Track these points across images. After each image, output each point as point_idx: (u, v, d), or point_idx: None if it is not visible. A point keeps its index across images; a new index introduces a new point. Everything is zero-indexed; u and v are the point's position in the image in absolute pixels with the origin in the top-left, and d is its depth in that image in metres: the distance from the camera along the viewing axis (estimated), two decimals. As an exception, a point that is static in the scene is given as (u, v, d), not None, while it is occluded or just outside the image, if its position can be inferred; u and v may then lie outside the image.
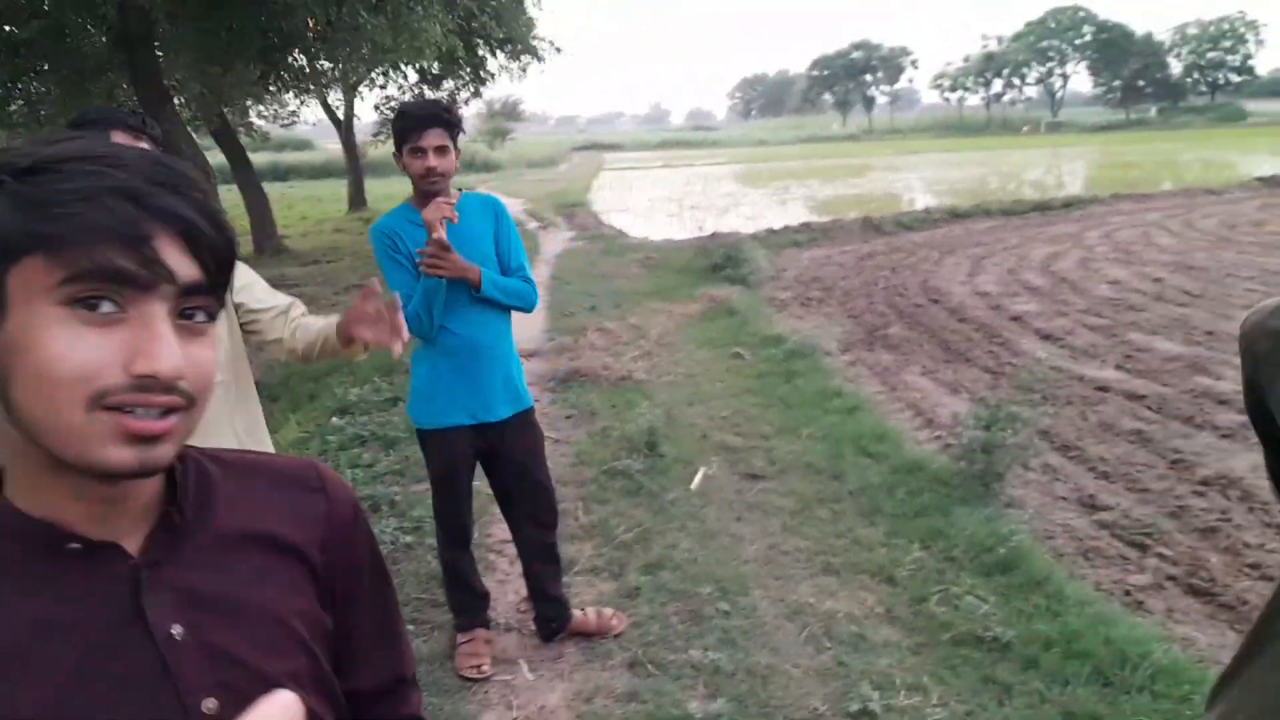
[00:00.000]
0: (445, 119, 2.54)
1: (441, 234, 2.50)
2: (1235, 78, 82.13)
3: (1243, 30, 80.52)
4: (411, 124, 2.52)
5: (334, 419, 5.49)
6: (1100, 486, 4.38)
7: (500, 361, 2.77)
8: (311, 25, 9.66)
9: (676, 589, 3.35)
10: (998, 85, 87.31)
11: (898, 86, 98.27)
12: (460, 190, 2.69)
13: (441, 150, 2.54)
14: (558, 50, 17.68)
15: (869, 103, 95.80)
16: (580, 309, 8.82)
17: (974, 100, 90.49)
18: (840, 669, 2.85)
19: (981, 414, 4.12)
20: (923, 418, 5.54)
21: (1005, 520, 3.70)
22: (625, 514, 4.01)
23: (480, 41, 16.01)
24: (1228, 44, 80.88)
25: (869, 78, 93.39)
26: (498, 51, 17.13)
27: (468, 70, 18.17)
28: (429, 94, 18.45)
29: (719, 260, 10.90)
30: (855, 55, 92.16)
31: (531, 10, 16.23)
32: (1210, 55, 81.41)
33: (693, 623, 3.14)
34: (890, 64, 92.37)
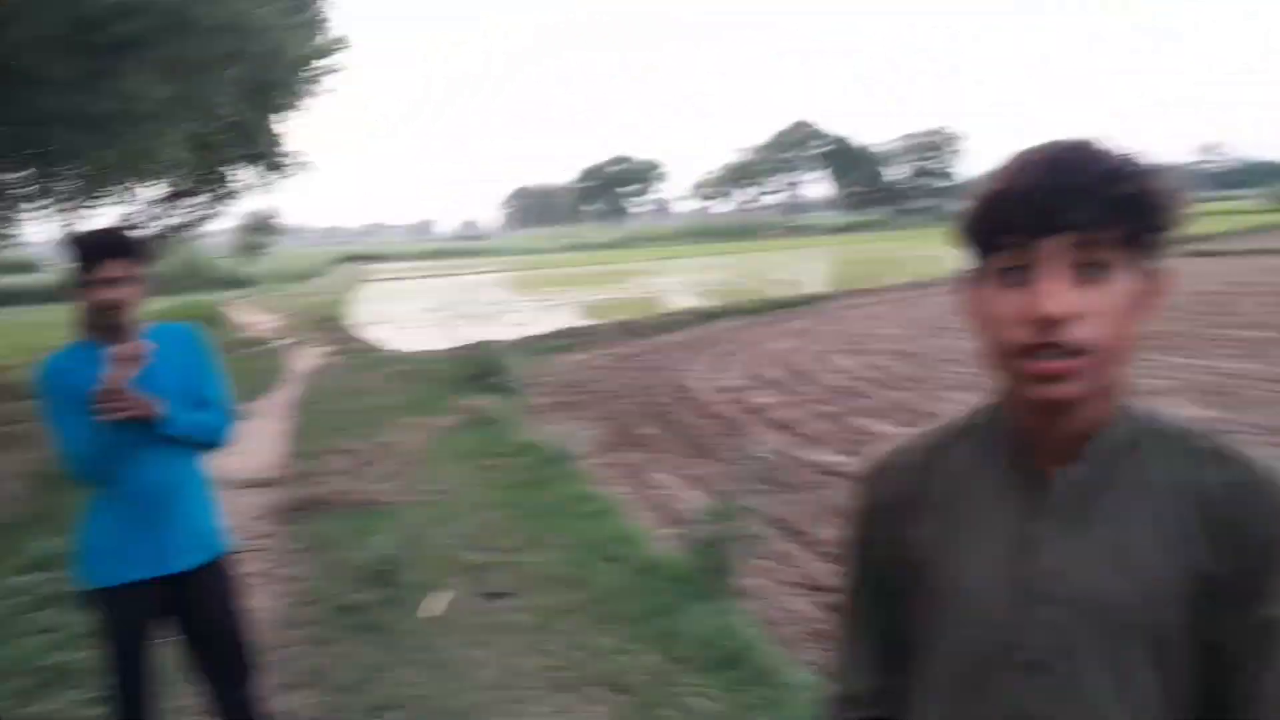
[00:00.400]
0: (123, 248, 2.35)
1: (122, 372, 2.28)
2: (945, 183, 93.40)
3: (943, 143, 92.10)
4: (85, 255, 2.32)
5: (22, 577, 4.83)
6: (826, 569, 4.59)
7: (186, 505, 2.52)
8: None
9: (401, 730, 3.14)
10: (745, 194, 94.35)
11: (657, 195, 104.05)
12: (149, 322, 2.48)
13: (119, 281, 2.34)
14: (304, 164, 17.34)
15: (624, 213, 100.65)
16: (325, 430, 8.41)
17: (724, 208, 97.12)
18: (568, 794, 2.74)
19: (712, 508, 4.22)
20: (666, 515, 5.64)
21: (733, 612, 3.77)
22: (352, 654, 3.74)
23: (222, 158, 15.43)
24: (934, 154, 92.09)
25: (625, 189, 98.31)
26: (242, 167, 16.54)
27: (213, 185, 17.41)
28: (164, 211, 17.45)
29: (478, 370, 10.82)
30: (613, 169, 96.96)
31: (276, 126, 15.89)
32: (921, 164, 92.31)
33: (416, 765, 2.93)
34: (643, 176, 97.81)
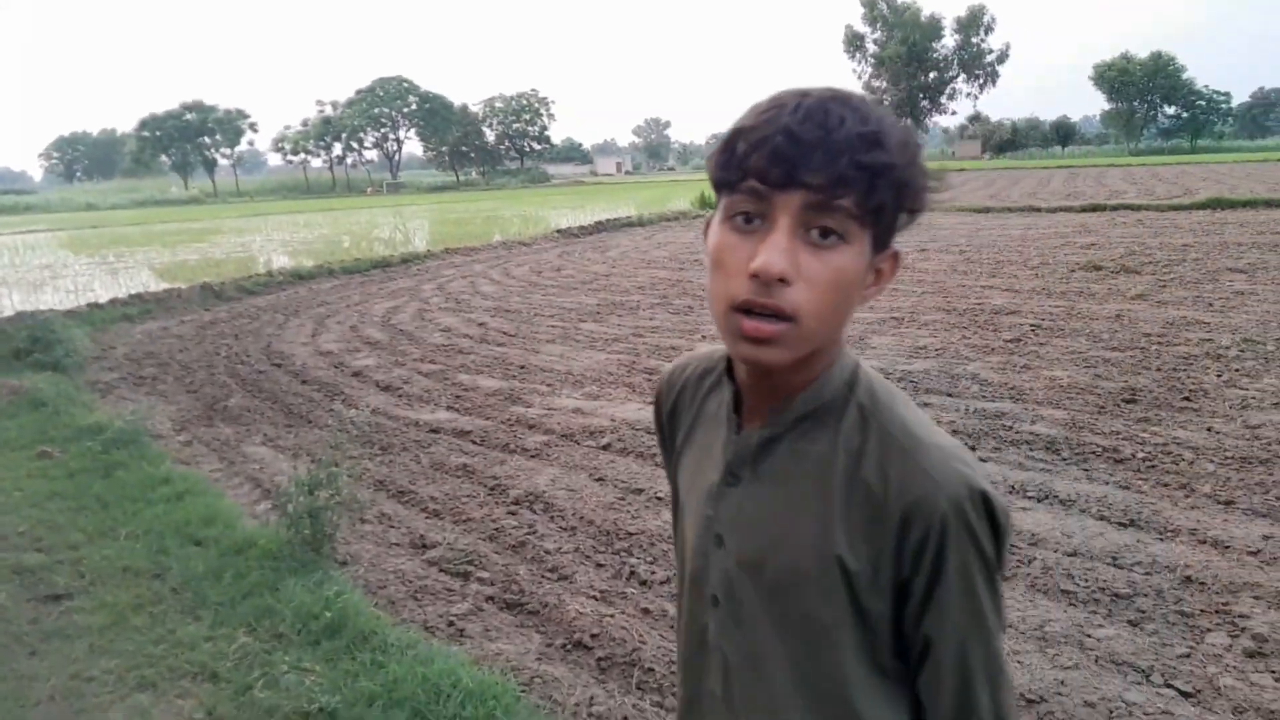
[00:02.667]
0: None
1: None
2: (536, 145, 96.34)
3: (537, 105, 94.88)
4: None
5: None
6: (430, 525, 4.67)
7: None
8: None
9: (-67, 767, 2.69)
10: (338, 149, 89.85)
11: (240, 149, 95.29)
12: None
13: None
14: None
15: (210, 165, 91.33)
16: None
17: (317, 163, 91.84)
18: (153, 796, 2.55)
19: (304, 477, 4.08)
20: (261, 489, 5.35)
21: (333, 582, 3.71)
22: None
23: None
24: (528, 117, 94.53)
25: (207, 140, 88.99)
26: None
27: None
28: None
29: (23, 344, 9.30)
30: (189, 117, 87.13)
31: None
32: (515, 126, 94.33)
33: (-44, 803, 2.54)
34: (228, 126, 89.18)
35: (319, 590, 3.60)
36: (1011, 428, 5.47)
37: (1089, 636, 3.26)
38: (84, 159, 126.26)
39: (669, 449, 1.17)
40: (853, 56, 64.26)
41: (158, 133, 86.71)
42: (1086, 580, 3.64)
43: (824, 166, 0.81)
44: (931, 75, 63.16)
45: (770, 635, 0.97)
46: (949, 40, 63.15)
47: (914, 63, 61.79)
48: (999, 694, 0.92)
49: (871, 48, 63.57)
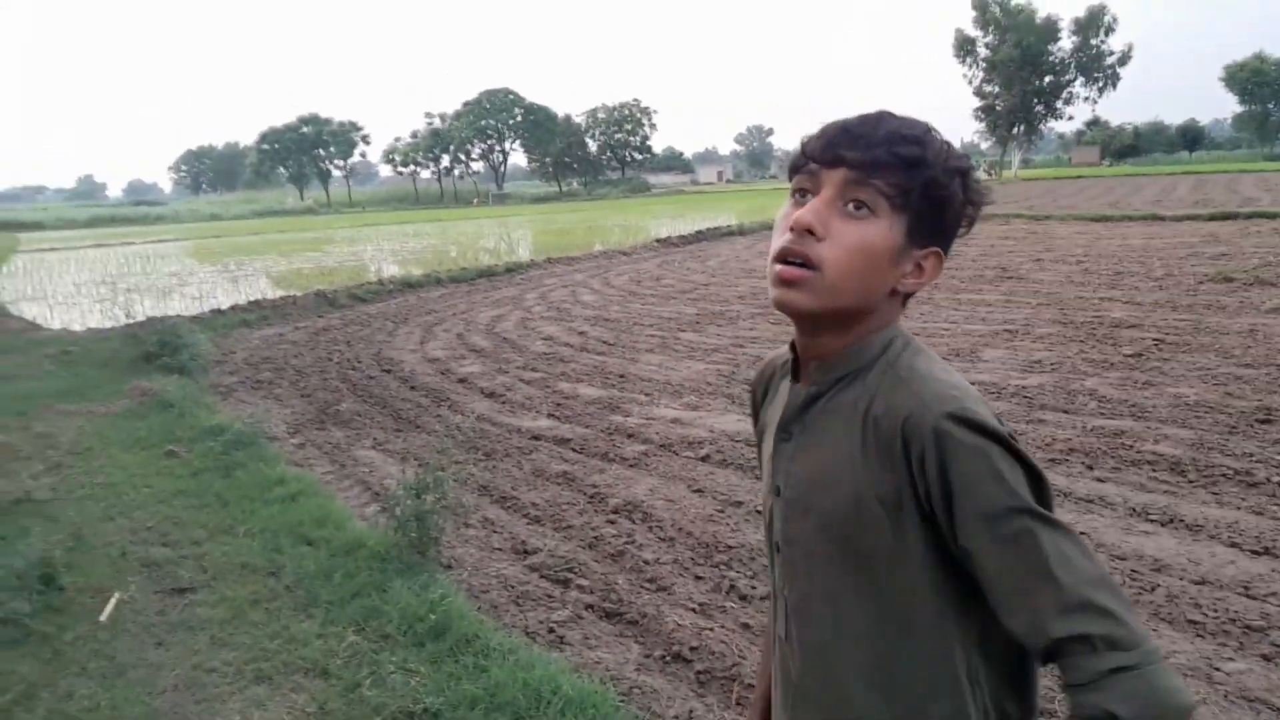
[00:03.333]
0: None
1: None
2: (638, 155, 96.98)
3: (639, 115, 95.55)
4: None
5: None
6: (531, 531, 4.72)
7: None
8: None
9: (68, 747, 2.85)
10: (446, 160, 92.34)
11: (352, 161, 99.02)
12: None
13: None
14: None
15: (325, 176, 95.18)
16: (-37, 423, 7.30)
17: (425, 174, 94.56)
18: (266, 787, 2.64)
19: (412, 482, 4.18)
20: (371, 492, 5.51)
21: (438, 585, 3.78)
22: (6, 670, 3.33)
23: None
24: (629, 126, 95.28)
25: (321, 152, 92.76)
26: None
27: None
28: None
29: (153, 348, 9.87)
30: (305, 130, 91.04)
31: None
32: (617, 136, 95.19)
33: (88, 783, 2.69)
34: (342, 139, 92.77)
35: (424, 593, 3.68)
36: (1133, 447, 5.21)
37: (1218, 670, 3.07)
38: (209, 171, 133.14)
39: (756, 433, 1.30)
40: (963, 61, 62.50)
41: (276, 145, 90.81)
42: (1215, 610, 3.43)
43: (864, 150, 0.99)
44: (1047, 79, 60.94)
45: (818, 574, 1.07)
46: (1066, 42, 60.73)
47: (1028, 66, 59.67)
48: (1068, 584, 0.89)
49: (983, 51, 61.72)
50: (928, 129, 1.03)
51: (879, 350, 1.06)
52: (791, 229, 1.01)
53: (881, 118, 1.02)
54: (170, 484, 5.63)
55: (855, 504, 1.01)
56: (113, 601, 3.92)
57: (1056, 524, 0.92)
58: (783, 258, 1.02)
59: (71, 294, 18.25)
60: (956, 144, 1.06)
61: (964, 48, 63.11)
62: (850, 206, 1.00)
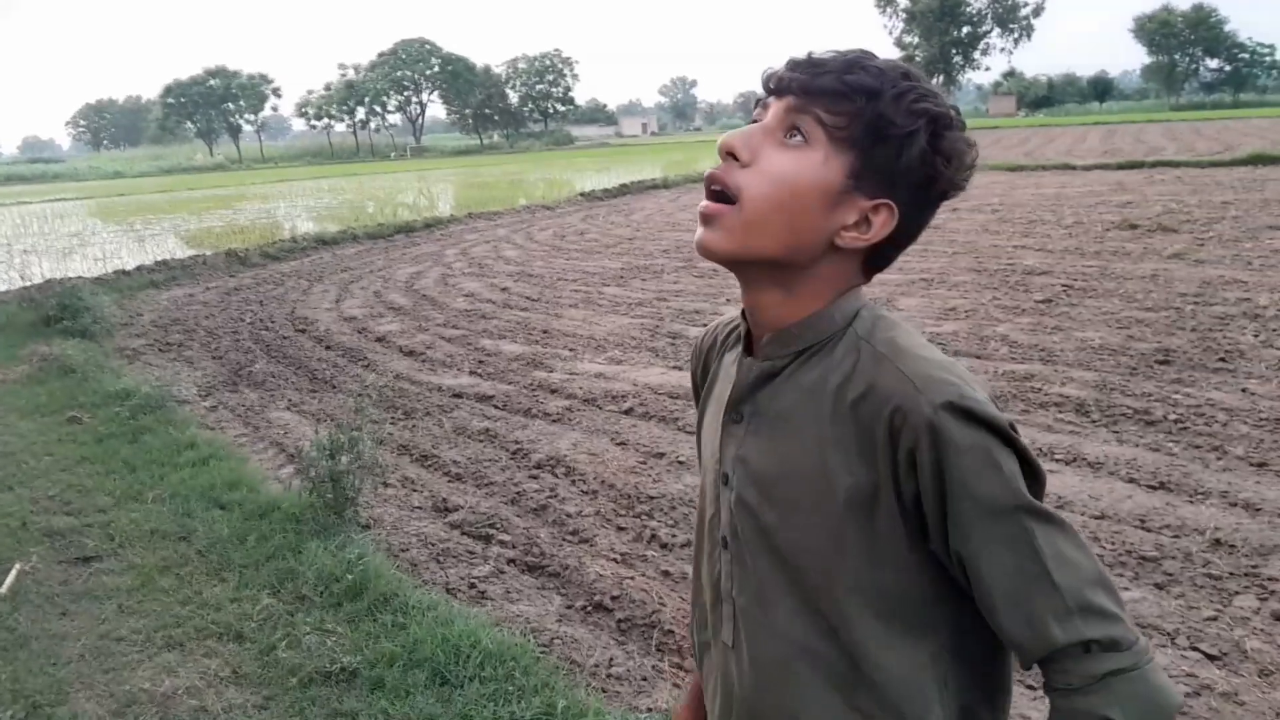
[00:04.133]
0: None
1: None
2: (560, 107, 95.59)
3: (561, 66, 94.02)
4: None
5: None
6: (453, 489, 4.68)
7: None
8: None
9: (-35, 725, 2.74)
10: (361, 113, 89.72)
11: (264, 115, 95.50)
12: None
13: None
14: None
15: (235, 131, 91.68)
16: None
17: (340, 128, 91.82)
18: (177, 755, 2.58)
19: (326, 442, 4.08)
20: (285, 454, 5.38)
21: (355, 545, 3.72)
22: (-106, 649, 3.18)
23: None
24: (551, 78, 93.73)
25: (231, 106, 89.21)
26: None
27: None
28: None
29: (53, 311, 9.42)
30: (213, 82, 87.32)
31: None
32: (539, 87, 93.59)
33: (-13, 760, 2.59)
34: (252, 92, 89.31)
35: (341, 553, 3.62)
36: (1041, 390, 5.37)
37: (1116, 600, 3.20)
38: (110, 127, 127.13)
39: (698, 405, 1.17)
40: (884, 11, 62.92)
41: (182, 99, 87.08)
42: (1113, 543, 3.58)
43: (810, 75, 0.89)
44: (965, 30, 61.66)
45: (775, 572, 0.95)
46: (983, -6, 61.66)
47: (946, 17, 60.31)
48: (1067, 587, 0.83)
49: (903, 2, 62.14)
50: (899, 70, 0.90)
51: (843, 321, 0.93)
52: (719, 149, 0.92)
53: (852, 53, 0.91)
54: (73, 451, 5.42)
55: (820, 497, 0.91)
56: (13, 573, 3.76)
57: (1052, 518, 0.85)
58: (706, 188, 0.93)
59: (-37, 256, 17.30)
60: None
61: (884, -2, 63.48)
62: (786, 135, 0.90)
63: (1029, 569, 0.83)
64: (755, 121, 0.94)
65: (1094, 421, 4.86)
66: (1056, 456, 4.44)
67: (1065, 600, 0.82)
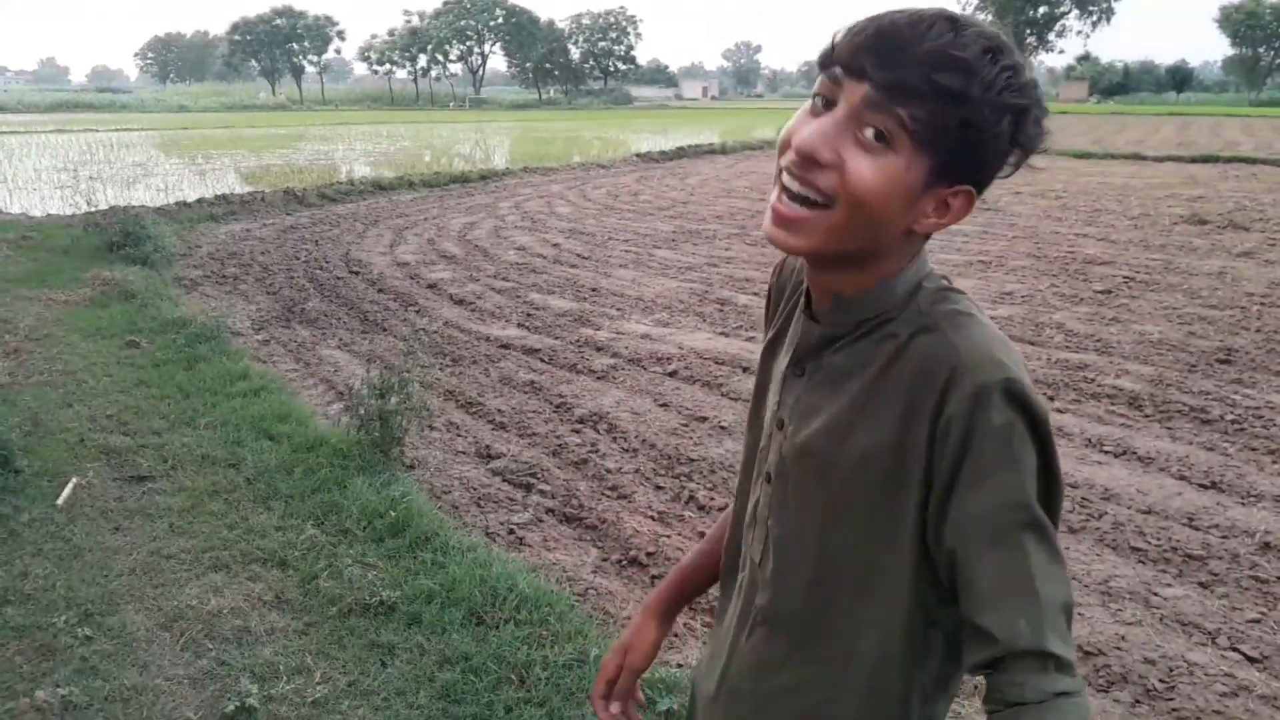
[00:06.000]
0: None
1: None
2: (622, 65, 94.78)
3: (624, 24, 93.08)
4: None
5: None
6: (496, 436, 4.73)
7: None
8: None
9: (22, 625, 2.86)
10: (423, 61, 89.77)
11: (327, 57, 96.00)
12: None
13: None
14: None
15: (298, 72, 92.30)
16: (-84, 304, 7.14)
17: (402, 74, 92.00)
18: (221, 669, 2.67)
19: (376, 382, 4.15)
20: (335, 391, 5.48)
21: (400, 484, 3.79)
22: (-42, 549, 3.32)
23: None
24: (614, 35, 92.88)
25: (295, 46, 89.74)
26: None
27: None
28: None
29: (116, 238, 9.63)
30: (279, 22, 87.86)
31: None
32: (601, 44, 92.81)
33: (42, 659, 2.70)
34: (316, 33, 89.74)
35: (385, 491, 3.69)
36: (1094, 380, 5.28)
37: (1155, 595, 3.17)
38: (177, 61, 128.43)
39: (766, 331, 1.18)
40: (956, -13, 61.29)
41: (248, 37, 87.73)
42: (1159, 539, 3.53)
43: (893, 68, 0.81)
44: (1041, 10, 59.86)
45: (810, 516, 1.00)
46: (1062, -28, 59.70)
47: (1023, -6, 58.71)
48: (1047, 599, 0.84)
49: (977, -23, 60.51)
50: (989, 50, 0.82)
51: (906, 295, 0.93)
52: (796, 151, 0.86)
53: (935, 24, 0.81)
54: (131, 374, 5.56)
55: (862, 460, 0.93)
56: (70, 486, 3.89)
57: (1048, 532, 0.86)
58: (783, 178, 0.89)
59: (31, 179, 17.71)
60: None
61: (958, -28, 61.81)
62: (868, 132, 0.84)
63: (1017, 571, 0.84)
64: (821, 97, 0.88)
65: (1147, 416, 4.77)
66: (1105, 448, 4.37)
67: (1042, 611, 0.83)
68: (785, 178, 0.88)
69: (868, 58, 0.82)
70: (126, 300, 7.42)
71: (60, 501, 3.77)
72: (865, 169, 0.84)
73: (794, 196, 0.87)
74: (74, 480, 3.96)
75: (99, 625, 2.88)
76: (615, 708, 1.28)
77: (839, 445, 0.96)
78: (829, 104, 0.87)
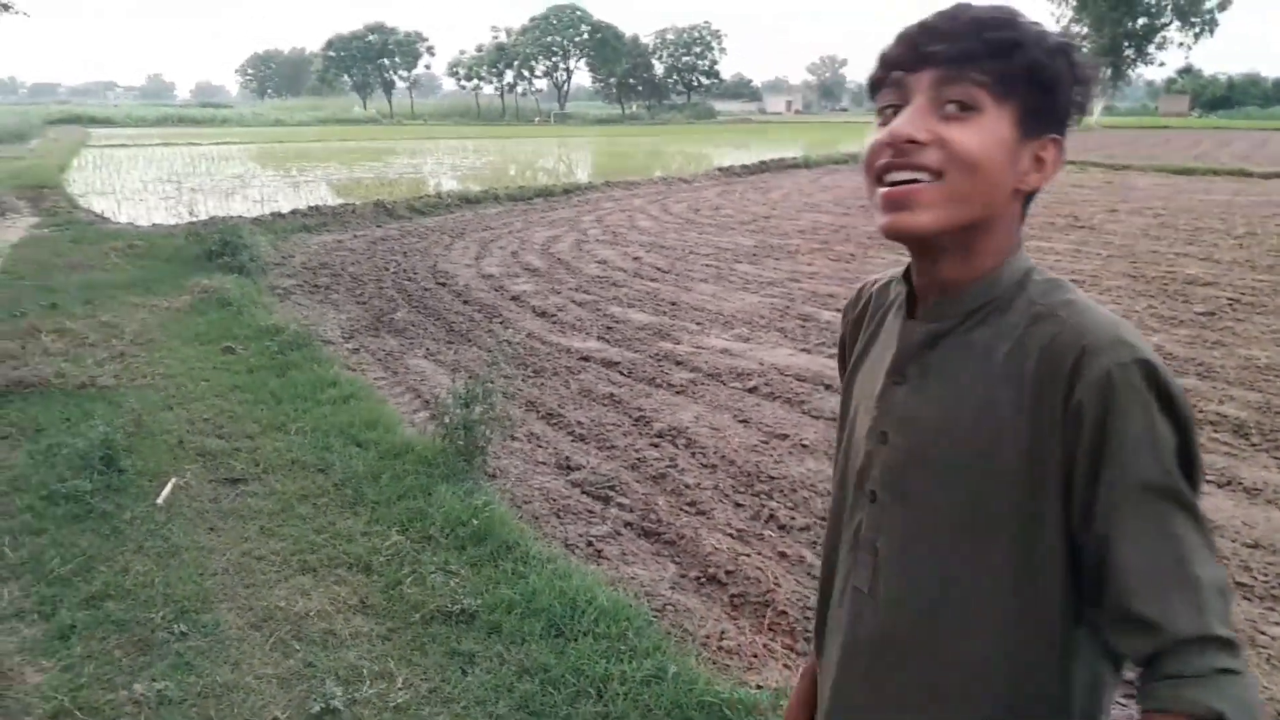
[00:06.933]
0: None
1: None
2: (705, 80, 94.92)
3: (708, 38, 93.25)
4: None
5: None
6: (575, 448, 4.76)
7: None
8: None
9: (123, 619, 2.98)
10: (509, 76, 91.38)
11: (416, 72, 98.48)
12: None
13: None
14: (5, 7, 14.92)
15: (388, 86, 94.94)
16: (36, 307, 7.53)
17: (488, 89, 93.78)
18: (307, 670, 2.74)
19: (462, 391, 4.22)
20: (421, 400, 5.59)
21: (482, 493, 3.84)
22: (66, 544, 3.47)
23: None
24: (698, 50, 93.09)
25: (386, 61, 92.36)
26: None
27: None
28: None
29: (215, 247, 10.02)
30: (371, 38, 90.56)
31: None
32: (685, 59, 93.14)
33: (140, 653, 2.81)
34: (407, 49, 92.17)
35: (468, 499, 3.74)
36: (1196, 407, 5.06)
37: (1262, 634, 3.02)
38: (275, 76, 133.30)
39: (845, 361, 1.17)
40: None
41: (342, 53, 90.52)
42: (1266, 575, 3.35)
43: (951, 42, 0.88)
44: (1140, 21, 57.93)
45: (929, 529, 0.96)
46: (1162, -17, 57.61)
47: (1120, 7, 56.75)
48: (1204, 581, 0.82)
49: (1072, -11, 58.85)
50: (1015, 12, 0.90)
51: (1015, 284, 0.93)
52: (889, 144, 0.90)
53: (960, 7, 0.91)
54: (227, 379, 5.76)
55: (988, 458, 0.90)
56: (169, 485, 4.05)
57: (1197, 511, 0.84)
58: (885, 176, 0.91)
59: (138, 190, 18.57)
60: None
61: (1053, -16, 60.22)
62: (950, 108, 0.88)
63: (1170, 554, 0.82)
64: (889, 107, 0.93)
65: (1254, 445, 4.55)
66: (1209, 478, 4.18)
67: (1200, 594, 0.82)
68: (886, 163, 0.91)
69: (925, 47, 0.89)
70: (223, 307, 7.70)
71: (160, 501, 3.92)
72: (963, 134, 0.88)
73: (900, 180, 0.90)
74: (173, 480, 4.12)
75: (194, 622, 2.98)
76: None
77: (957, 445, 0.93)
78: (897, 109, 0.92)
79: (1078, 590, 0.90)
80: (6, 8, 15.10)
